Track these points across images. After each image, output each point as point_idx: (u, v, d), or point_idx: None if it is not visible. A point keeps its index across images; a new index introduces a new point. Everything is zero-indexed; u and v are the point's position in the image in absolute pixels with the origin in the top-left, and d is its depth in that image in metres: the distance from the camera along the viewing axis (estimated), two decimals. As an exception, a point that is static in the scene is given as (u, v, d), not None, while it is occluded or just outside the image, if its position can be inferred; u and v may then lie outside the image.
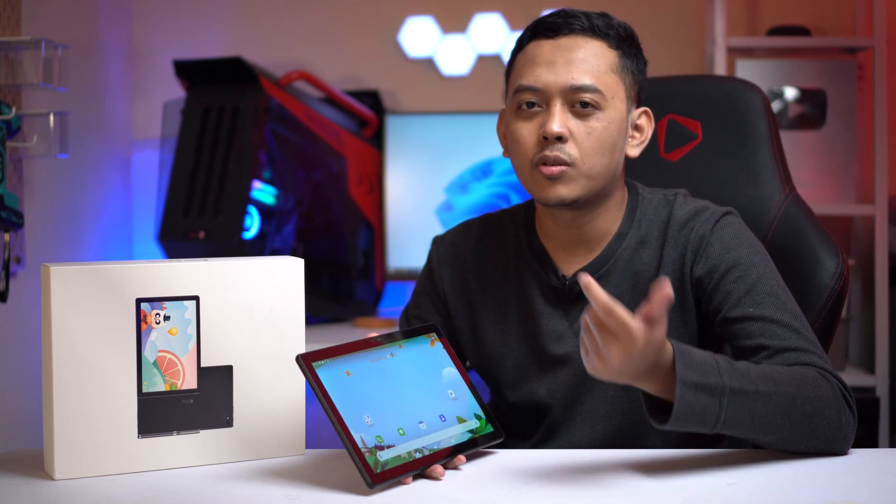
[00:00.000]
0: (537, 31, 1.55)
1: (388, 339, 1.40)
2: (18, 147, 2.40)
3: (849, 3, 3.18)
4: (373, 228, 3.15)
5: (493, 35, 3.25)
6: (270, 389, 1.43)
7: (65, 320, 1.32)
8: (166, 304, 1.37)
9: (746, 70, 3.00)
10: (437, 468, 1.32)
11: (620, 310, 1.21)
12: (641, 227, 1.60)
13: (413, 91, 3.30)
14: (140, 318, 1.36)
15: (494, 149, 1.63)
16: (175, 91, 3.02)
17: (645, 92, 1.61)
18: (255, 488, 1.30)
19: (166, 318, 1.37)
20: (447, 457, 1.34)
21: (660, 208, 1.61)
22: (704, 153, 1.81)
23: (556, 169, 1.51)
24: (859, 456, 1.41)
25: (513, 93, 1.56)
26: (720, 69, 2.93)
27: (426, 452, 1.32)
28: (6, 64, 2.32)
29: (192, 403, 1.39)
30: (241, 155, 2.76)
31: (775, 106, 2.99)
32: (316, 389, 1.29)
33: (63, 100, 2.58)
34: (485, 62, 3.27)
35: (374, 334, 1.40)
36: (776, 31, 3.06)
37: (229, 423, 1.41)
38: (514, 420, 1.62)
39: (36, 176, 2.59)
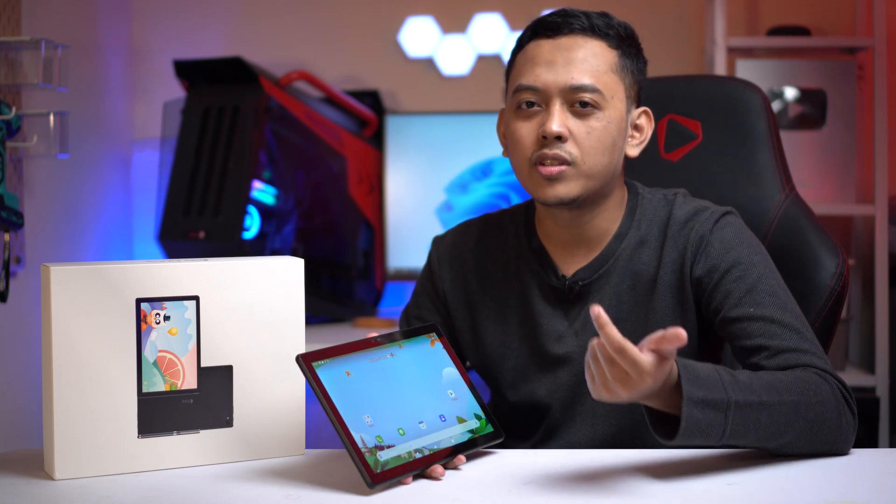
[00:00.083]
0: (537, 31, 1.55)
1: (388, 339, 1.40)
2: (18, 147, 2.40)
3: (849, 3, 3.18)
4: (373, 228, 3.15)
5: (493, 35, 3.25)
6: (270, 389, 1.43)
7: (65, 320, 1.32)
8: (166, 304, 1.37)
9: (746, 70, 3.00)
10: (437, 468, 1.32)
11: (631, 349, 1.20)
12: (641, 227, 1.60)
13: (413, 91, 3.30)
14: (140, 318, 1.36)
15: (494, 149, 1.63)
16: (175, 91, 3.02)
17: (645, 92, 1.61)
18: (255, 488, 1.30)
19: (166, 318, 1.37)
20: (447, 457, 1.34)
21: (659, 208, 1.61)
22: (704, 153, 1.81)
23: (555, 169, 1.51)
24: (859, 456, 1.41)
25: (512, 92, 1.56)
26: (720, 69, 2.93)
27: (426, 452, 1.32)
28: (6, 64, 2.32)
29: (192, 403, 1.39)
30: (241, 155, 2.76)
31: (775, 106, 2.99)
32: (316, 389, 1.28)
33: (63, 100, 2.58)
34: (485, 62, 3.27)
35: (374, 334, 1.40)
36: (776, 31, 3.06)
37: (229, 423, 1.41)
38: (514, 420, 1.62)
39: (36, 176, 2.59)
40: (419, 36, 3.29)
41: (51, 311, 1.32)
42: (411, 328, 1.45)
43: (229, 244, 2.70)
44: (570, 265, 1.61)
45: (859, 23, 3.12)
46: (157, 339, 1.37)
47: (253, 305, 1.42)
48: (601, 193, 1.57)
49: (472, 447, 1.39)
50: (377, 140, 3.18)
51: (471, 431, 1.40)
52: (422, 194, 3.11)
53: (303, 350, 1.43)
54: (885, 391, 2.93)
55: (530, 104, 1.54)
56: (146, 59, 3.28)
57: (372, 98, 3.22)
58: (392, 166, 3.12)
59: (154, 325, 1.36)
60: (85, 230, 2.93)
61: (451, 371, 1.43)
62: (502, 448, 1.46)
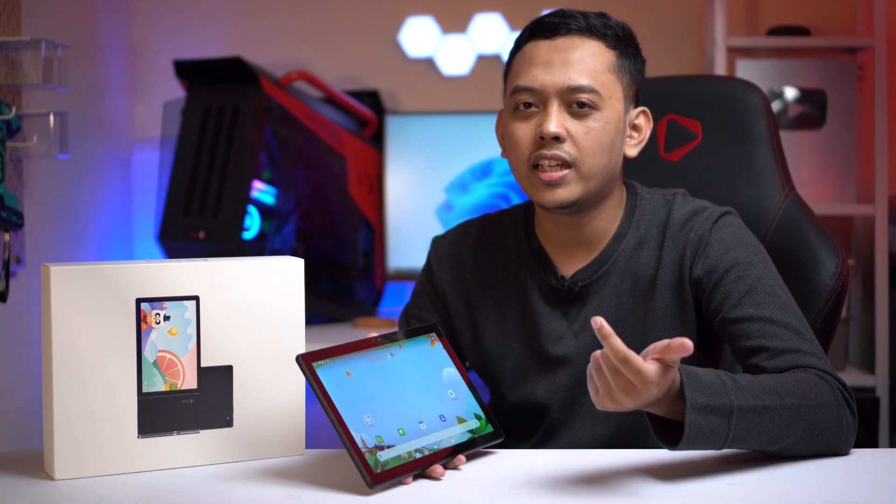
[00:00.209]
0: (535, 32, 1.55)
1: (388, 339, 1.40)
2: (18, 147, 2.40)
3: (849, 3, 3.17)
4: (373, 228, 3.15)
5: (493, 35, 3.25)
6: (270, 389, 1.43)
7: (65, 320, 1.32)
8: (166, 304, 1.37)
9: (746, 70, 3.00)
10: (437, 468, 1.32)
11: (636, 359, 1.20)
12: (640, 228, 1.60)
13: (413, 91, 3.30)
14: (140, 318, 1.36)
15: (494, 149, 1.62)
16: (175, 91, 3.02)
17: (643, 92, 1.61)
18: (255, 488, 1.30)
19: (166, 318, 1.37)
20: (447, 457, 1.34)
21: (658, 208, 1.61)
22: (704, 153, 1.81)
23: (556, 175, 1.51)
24: (859, 456, 1.41)
25: (510, 93, 1.56)
26: (720, 69, 2.93)
27: (426, 452, 1.32)
28: (6, 64, 2.32)
29: (192, 403, 1.39)
30: (241, 155, 2.76)
31: (775, 106, 2.99)
32: (316, 389, 1.28)
33: (63, 100, 2.58)
34: (485, 62, 3.27)
35: (374, 334, 1.40)
36: (776, 31, 3.06)
37: (229, 423, 1.41)
38: (513, 420, 1.62)
39: (36, 176, 2.59)
40: (419, 36, 3.29)
41: (51, 311, 1.32)
42: (411, 328, 1.45)
43: (229, 244, 2.70)
44: (570, 266, 1.61)
45: (859, 23, 3.12)
46: (157, 339, 1.37)
47: (253, 305, 1.42)
48: (600, 194, 1.57)
49: (471, 447, 1.39)
50: (377, 140, 3.18)
51: (471, 431, 1.40)
52: (422, 194, 3.11)
53: (303, 350, 1.43)
54: (885, 391, 2.93)
55: (528, 105, 1.53)
56: (146, 59, 3.28)
57: (372, 98, 3.22)
58: (392, 166, 3.12)
59: (154, 325, 1.36)
60: (85, 230, 2.93)
61: (451, 371, 1.43)
62: (502, 448, 1.46)
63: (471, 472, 1.35)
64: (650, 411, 1.30)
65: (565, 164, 1.51)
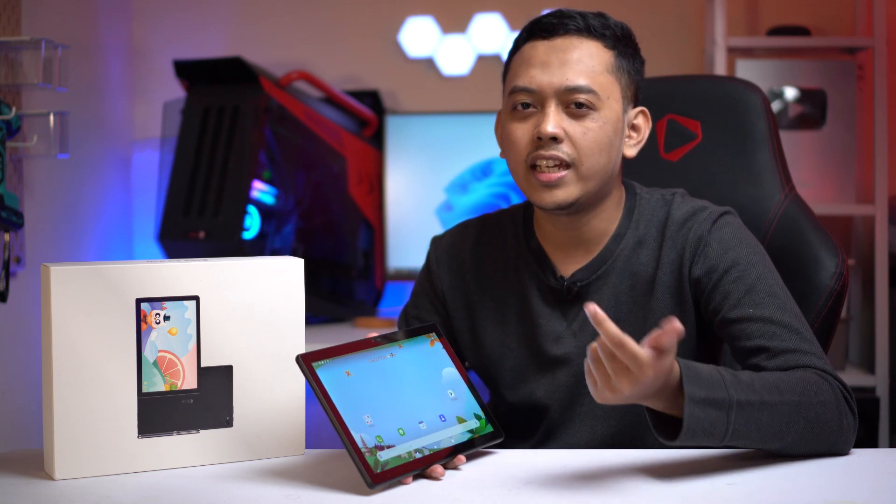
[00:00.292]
0: (533, 32, 1.55)
1: (388, 339, 1.40)
2: (18, 147, 2.40)
3: (849, 3, 3.17)
4: (373, 228, 3.15)
5: (493, 35, 3.25)
6: (270, 389, 1.43)
7: (65, 320, 1.32)
8: (166, 304, 1.37)
9: (746, 70, 3.00)
10: (437, 468, 1.32)
11: (630, 342, 1.20)
12: (639, 228, 1.60)
13: (413, 91, 3.30)
14: (140, 318, 1.36)
15: (494, 149, 1.62)
16: (175, 91, 3.02)
17: (642, 92, 1.60)
18: (255, 488, 1.30)
19: (166, 318, 1.37)
20: (447, 457, 1.34)
21: (658, 208, 1.61)
22: (704, 153, 1.81)
23: (554, 176, 1.51)
24: (859, 456, 1.41)
25: (508, 94, 1.56)
26: (720, 69, 2.93)
27: (426, 452, 1.32)
28: (6, 64, 2.32)
29: (192, 403, 1.39)
30: (241, 155, 2.76)
31: (775, 106, 2.99)
32: (316, 389, 1.28)
33: (63, 100, 2.58)
34: (485, 62, 3.28)
35: (374, 334, 1.40)
36: (776, 31, 3.06)
37: (229, 423, 1.41)
38: (513, 421, 1.62)
39: (36, 176, 2.59)
40: (419, 36, 3.29)
41: (51, 311, 1.32)
42: (411, 328, 1.45)
43: (229, 244, 2.70)
44: (569, 266, 1.61)
45: (859, 23, 3.12)
46: (157, 339, 1.37)
47: (253, 305, 1.42)
48: (599, 194, 1.57)
49: (471, 447, 1.39)
50: (377, 140, 3.18)
51: (471, 431, 1.40)
52: (422, 194, 3.11)
53: (303, 350, 1.43)
54: (885, 391, 2.93)
55: (525, 105, 1.53)
56: (146, 59, 3.28)
57: (372, 98, 3.22)
58: (392, 166, 3.12)
59: (154, 325, 1.36)
60: (85, 230, 2.93)
61: (450, 371, 1.43)
62: (502, 448, 1.46)
63: (471, 472, 1.35)
64: (650, 406, 1.30)
65: (564, 165, 1.51)
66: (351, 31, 3.31)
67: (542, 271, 1.62)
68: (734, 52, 3.06)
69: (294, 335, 1.44)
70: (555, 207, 1.53)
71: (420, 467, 1.31)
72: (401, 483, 1.29)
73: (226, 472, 1.37)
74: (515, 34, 1.64)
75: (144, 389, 1.36)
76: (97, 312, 1.33)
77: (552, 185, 1.51)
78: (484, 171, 3.08)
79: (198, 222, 2.74)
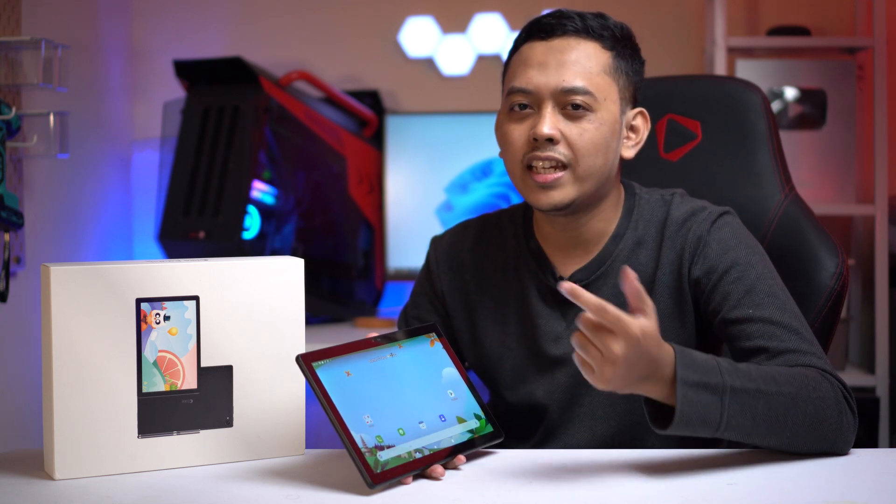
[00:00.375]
0: (531, 33, 1.55)
1: (388, 339, 1.40)
2: (18, 147, 2.40)
3: (849, 3, 3.18)
4: (373, 228, 3.15)
5: (493, 35, 3.25)
6: (270, 389, 1.43)
7: (65, 320, 1.32)
8: (166, 304, 1.37)
9: (746, 70, 3.00)
10: (437, 468, 1.32)
11: (611, 307, 1.22)
12: (639, 228, 1.60)
13: (413, 91, 3.30)
14: (140, 318, 1.36)
15: (494, 149, 1.63)
16: (175, 91, 3.02)
17: (642, 92, 1.60)
18: (255, 488, 1.30)
19: (166, 318, 1.37)
20: (447, 457, 1.34)
21: (657, 208, 1.61)
22: (704, 153, 1.81)
23: (550, 177, 1.51)
24: (859, 456, 1.41)
25: (505, 94, 1.56)
26: (720, 69, 2.93)
27: (426, 452, 1.32)
28: (6, 64, 2.32)
29: (192, 403, 1.39)
30: (241, 155, 2.76)
31: (775, 106, 2.99)
32: (316, 389, 1.29)
33: (63, 100, 2.58)
34: (485, 62, 3.28)
35: (374, 334, 1.40)
36: (776, 31, 3.06)
37: (229, 423, 1.41)
38: (512, 421, 1.62)
39: (36, 176, 2.59)
40: (419, 36, 3.29)
41: (51, 311, 1.32)
42: (411, 328, 1.45)
43: (229, 244, 2.70)
44: (568, 266, 1.61)
45: (859, 23, 3.12)
46: (157, 339, 1.37)
47: (253, 305, 1.42)
48: (597, 195, 1.57)
49: (471, 447, 1.39)
50: (377, 140, 3.18)
51: (470, 431, 1.40)
52: (422, 194, 3.11)
53: (303, 350, 1.43)
54: (885, 391, 2.93)
55: (522, 106, 1.53)
56: (146, 59, 3.28)
57: (372, 98, 3.22)
58: (392, 166, 3.12)
59: (154, 325, 1.36)
60: (85, 230, 2.93)
61: (450, 371, 1.43)
62: (502, 448, 1.46)
63: (471, 472, 1.35)
64: (647, 394, 1.30)
65: (560, 166, 1.51)
66: (351, 31, 3.31)
67: (541, 271, 1.62)
68: (734, 52, 3.07)
69: (294, 335, 1.44)
70: (551, 208, 1.53)
71: (420, 467, 1.31)
72: (401, 483, 1.29)
73: (226, 472, 1.37)
74: (515, 34, 1.64)
75: (144, 389, 1.36)
76: (97, 312, 1.33)
77: (548, 187, 1.51)
78: (484, 171, 3.08)
79: (198, 222, 2.74)
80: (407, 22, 3.28)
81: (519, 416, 1.64)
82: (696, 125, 1.82)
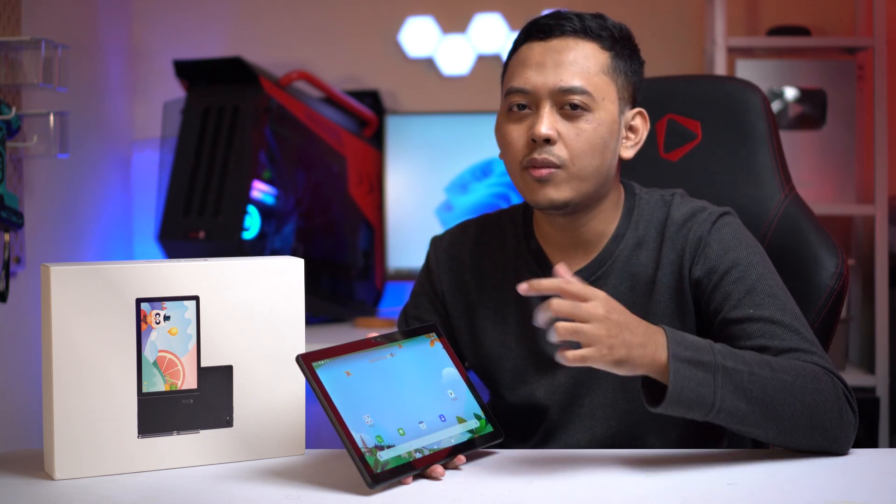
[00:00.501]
0: (530, 33, 1.55)
1: (388, 339, 1.40)
2: (18, 147, 2.40)
3: (849, 3, 3.18)
4: (373, 228, 3.15)
5: (493, 35, 3.25)
6: (270, 389, 1.43)
7: (65, 320, 1.32)
8: (166, 304, 1.37)
9: (746, 70, 3.00)
10: (437, 468, 1.32)
11: (570, 280, 1.30)
12: (639, 228, 1.60)
13: (413, 91, 3.30)
14: (140, 318, 1.36)
15: (494, 149, 1.62)
16: (175, 91, 3.02)
17: (641, 93, 1.60)
18: (255, 488, 1.30)
19: (166, 318, 1.37)
20: (447, 457, 1.34)
21: (657, 209, 1.61)
22: (704, 153, 1.81)
23: (544, 171, 1.51)
24: (859, 456, 1.41)
25: (504, 95, 1.56)
26: (720, 69, 2.93)
27: (426, 452, 1.32)
28: (6, 64, 2.32)
29: (192, 403, 1.39)
30: (241, 155, 2.76)
31: (775, 106, 2.99)
32: (316, 389, 1.29)
33: (63, 100, 2.58)
34: (485, 62, 3.28)
35: (374, 334, 1.40)
36: (776, 31, 3.06)
37: (229, 423, 1.41)
38: (512, 421, 1.62)
39: (36, 176, 2.59)
40: (419, 36, 3.29)
41: (51, 311, 1.32)
42: (411, 328, 1.45)
43: (229, 244, 2.70)
44: (568, 267, 1.61)
45: (859, 23, 3.12)
46: (157, 339, 1.37)
47: (253, 305, 1.42)
48: (596, 196, 1.56)
49: (471, 447, 1.39)
50: (377, 140, 3.18)
51: (470, 431, 1.40)
52: (422, 194, 3.11)
53: (303, 350, 1.43)
54: (885, 391, 2.93)
55: (521, 107, 1.53)
56: (146, 59, 3.28)
57: (372, 98, 3.22)
58: (392, 166, 3.12)
59: (154, 325, 1.36)
60: (85, 230, 2.93)
61: (450, 371, 1.43)
62: (502, 448, 1.46)
63: (471, 472, 1.35)
64: (649, 372, 1.32)
65: (554, 165, 1.51)
66: (351, 31, 3.31)
67: (541, 272, 1.62)
68: (734, 52, 3.07)
69: (294, 335, 1.44)
70: (548, 205, 1.53)
71: (420, 467, 1.31)
72: (401, 483, 1.29)
73: (226, 472, 1.37)
74: (515, 34, 1.64)
75: (144, 389, 1.36)
76: (97, 312, 1.33)
77: (543, 181, 1.51)
78: (484, 171, 3.08)
79: (198, 222, 2.74)
80: (407, 22, 3.28)
81: (519, 416, 1.64)
82: (696, 125, 1.82)
